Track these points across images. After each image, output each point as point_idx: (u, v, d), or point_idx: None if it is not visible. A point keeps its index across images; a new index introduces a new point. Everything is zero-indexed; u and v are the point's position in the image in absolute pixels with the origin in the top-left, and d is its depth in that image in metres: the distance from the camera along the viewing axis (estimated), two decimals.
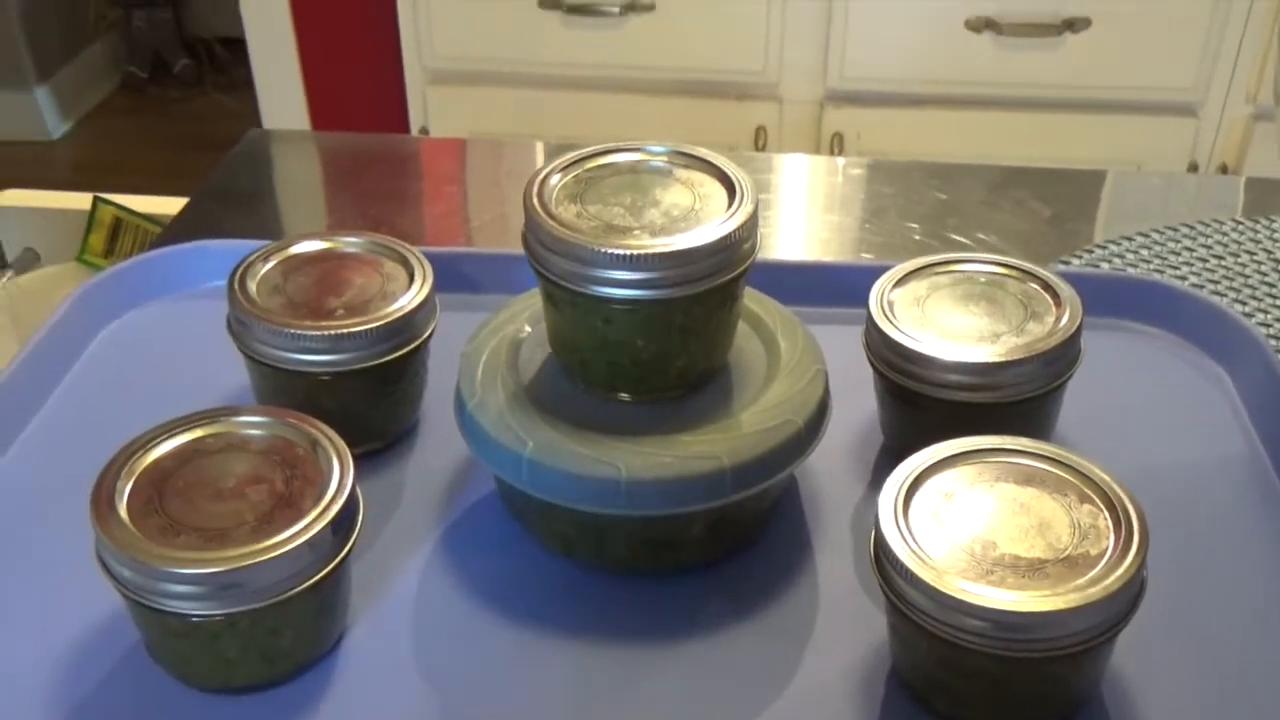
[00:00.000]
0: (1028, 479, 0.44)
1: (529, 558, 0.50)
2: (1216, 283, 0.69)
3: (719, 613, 0.48)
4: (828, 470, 0.55)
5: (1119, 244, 0.72)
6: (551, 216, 0.46)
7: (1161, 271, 0.70)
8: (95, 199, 0.81)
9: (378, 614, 0.48)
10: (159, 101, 3.05)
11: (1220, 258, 0.71)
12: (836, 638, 0.47)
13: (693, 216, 0.46)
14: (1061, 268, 0.66)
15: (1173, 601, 0.48)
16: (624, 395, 0.49)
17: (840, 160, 0.87)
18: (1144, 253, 0.71)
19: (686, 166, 0.49)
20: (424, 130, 1.70)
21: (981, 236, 0.75)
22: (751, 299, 0.53)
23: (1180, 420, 0.58)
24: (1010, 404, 0.51)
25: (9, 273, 0.79)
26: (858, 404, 0.56)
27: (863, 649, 0.46)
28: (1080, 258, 0.71)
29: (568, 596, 0.49)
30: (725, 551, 0.50)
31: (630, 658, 0.46)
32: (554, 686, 0.45)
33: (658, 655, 0.46)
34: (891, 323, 0.52)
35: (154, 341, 0.62)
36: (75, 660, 0.46)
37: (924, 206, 0.79)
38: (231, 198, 0.79)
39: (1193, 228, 0.73)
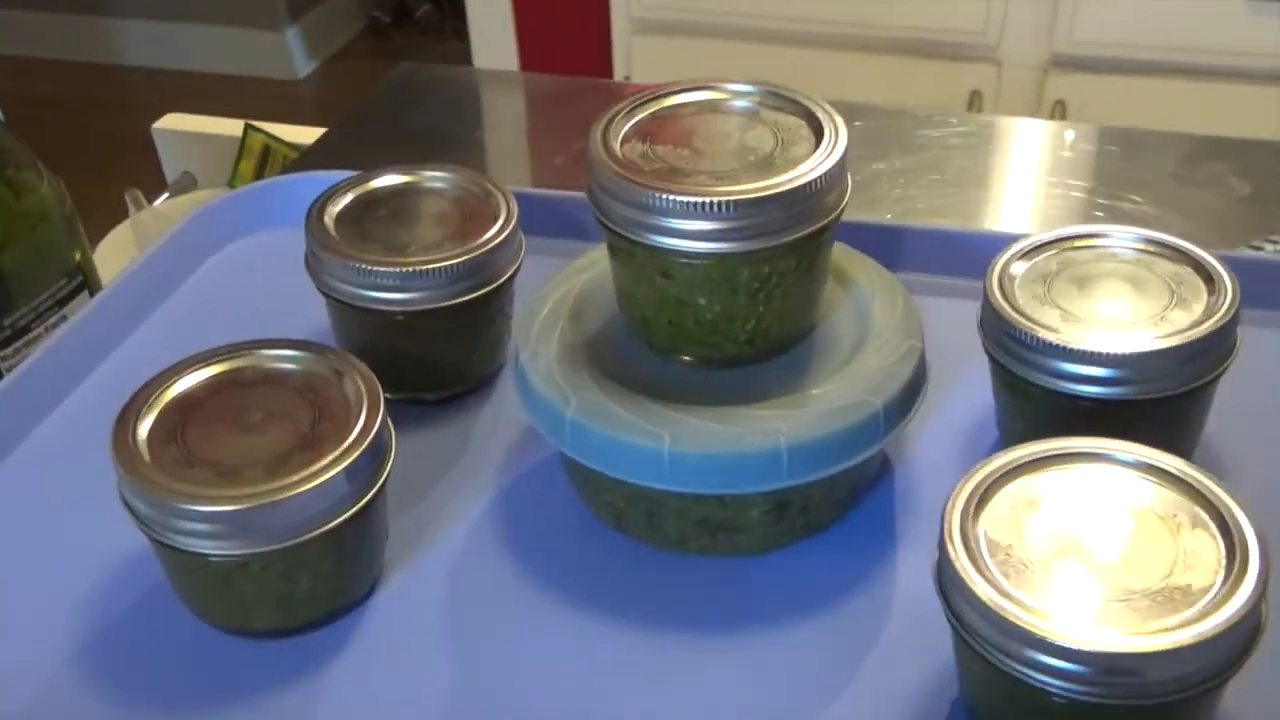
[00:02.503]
0: (1130, 492, 0.37)
1: (585, 526, 0.47)
2: None
3: (776, 607, 0.43)
4: (929, 463, 0.49)
5: None
6: (612, 157, 0.41)
7: None
8: (246, 126, 0.81)
9: (417, 570, 0.46)
10: (400, 46, 3.13)
11: None
12: (903, 652, 0.42)
13: (769, 162, 0.41)
14: (1232, 254, 0.57)
15: None
16: (686, 358, 0.44)
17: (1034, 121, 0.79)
18: None
19: (776, 108, 0.43)
20: (627, 79, 1.68)
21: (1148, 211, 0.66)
22: (849, 260, 0.48)
23: None
24: (1142, 404, 0.44)
25: (165, 195, 0.81)
26: (976, 391, 0.50)
27: (933, 667, 0.41)
28: (1276, 243, 0.61)
29: (616, 573, 0.45)
30: (792, 539, 0.45)
31: (673, 645, 0.42)
32: (585, 667, 0.42)
33: (703, 646, 0.42)
34: (1008, 301, 0.45)
35: (256, 272, 0.61)
36: (108, 586, 0.45)
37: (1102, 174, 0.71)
38: (371, 130, 0.77)
39: None
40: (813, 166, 0.40)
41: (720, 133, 0.42)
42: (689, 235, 0.40)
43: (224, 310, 0.59)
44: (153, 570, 0.44)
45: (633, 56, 1.67)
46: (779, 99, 0.43)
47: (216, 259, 0.62)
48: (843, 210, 0.42)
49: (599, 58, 1.72)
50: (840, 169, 0.41)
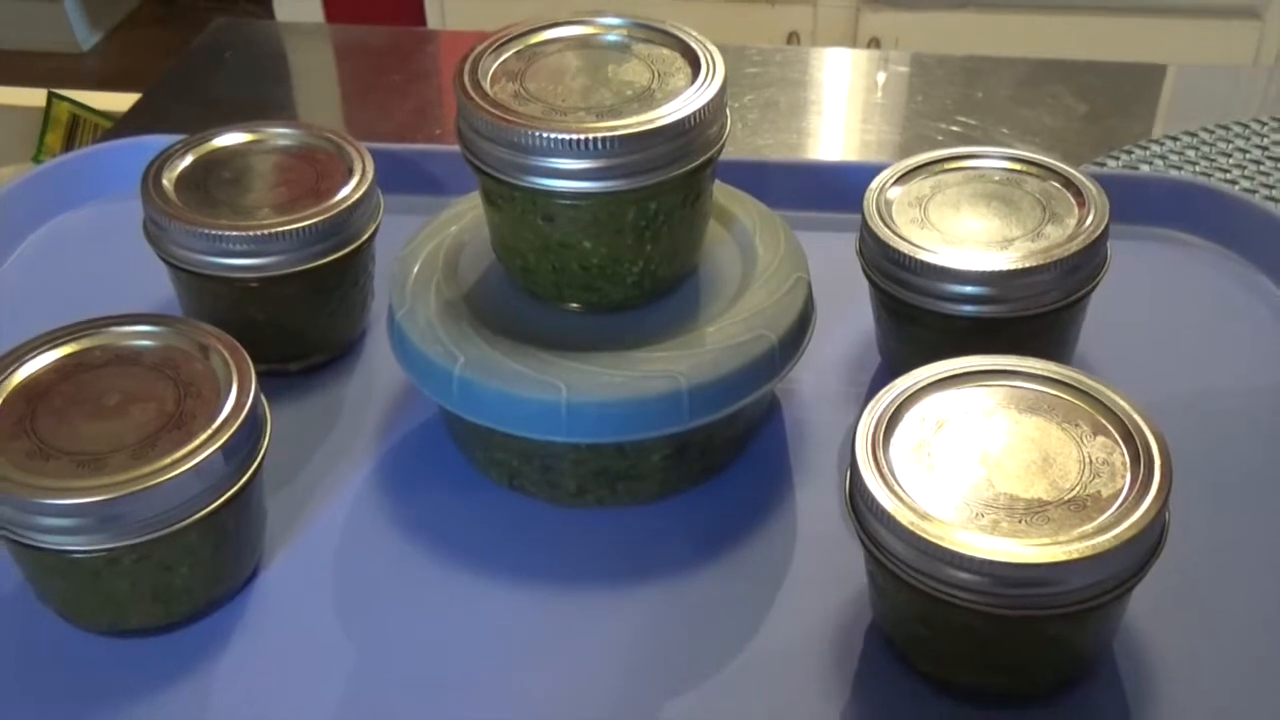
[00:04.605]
0: (1032, 406, 0.38)
1: (475, 487, 0.45)
2: (1271, 188, 0.61)
3: (681, 553, 0.42)
4: (815, 394, 0.48)
5: (1162, 144, 0.64)
6: (484, 97, 0.39)
7: (1209, 175, 0.62)
8: (50, 94, 0.75)
9: (299, 549, 0.43)
10: (189, 12, 2.98)
11: (1278, 160, 0.63)
12: (812, 583, 0.41)
13: (649, 96, 0.39)
14: (1092, 168, 0.59)
15: (1205, 553, 0.41)
16: (573, 305, 0.43)
17: (849, 51, 0.80)
18: (1190, 154, 0.64)
19: (647, 41, 0.42)
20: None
21: (1005, 131, 0.68)
22: (727, 197, 0.47)
23: (1223, 343, 0.51)
24: (1023, 319, 0.44)
25: None
26: (854, 320, 0.50)
27: (841, 598, 0.41)
28: (1118, 158, 0.63)
29: (513, 533, 0.43)
30: (691, 483, 0.44)
31: (581, 602, 0.41)
32: (494, 634, 0.40)
33: (611, 600, 0.41)
34: (887, 226, 0.45)
35: (85, 247, 0.57)
36: None
37: (947, 103, 0.72)
38: (193, 92, 0.73)
39: (1247, 126, 0.65)
40: (694, 98, 0.39)
41: (593, 68, 0.41)
42: (572, 175, 0.38)
43: (54, 291, 0.54)
44: (9, 574, 0.40)
45: (445, 7, 1.62)
46: (650, 31, 0.42)
47: (37, 236, 0.57)
48: (725, 140, 0.41)
49: (408, 11, 1.67)
50: (721, 99, 0.40)
